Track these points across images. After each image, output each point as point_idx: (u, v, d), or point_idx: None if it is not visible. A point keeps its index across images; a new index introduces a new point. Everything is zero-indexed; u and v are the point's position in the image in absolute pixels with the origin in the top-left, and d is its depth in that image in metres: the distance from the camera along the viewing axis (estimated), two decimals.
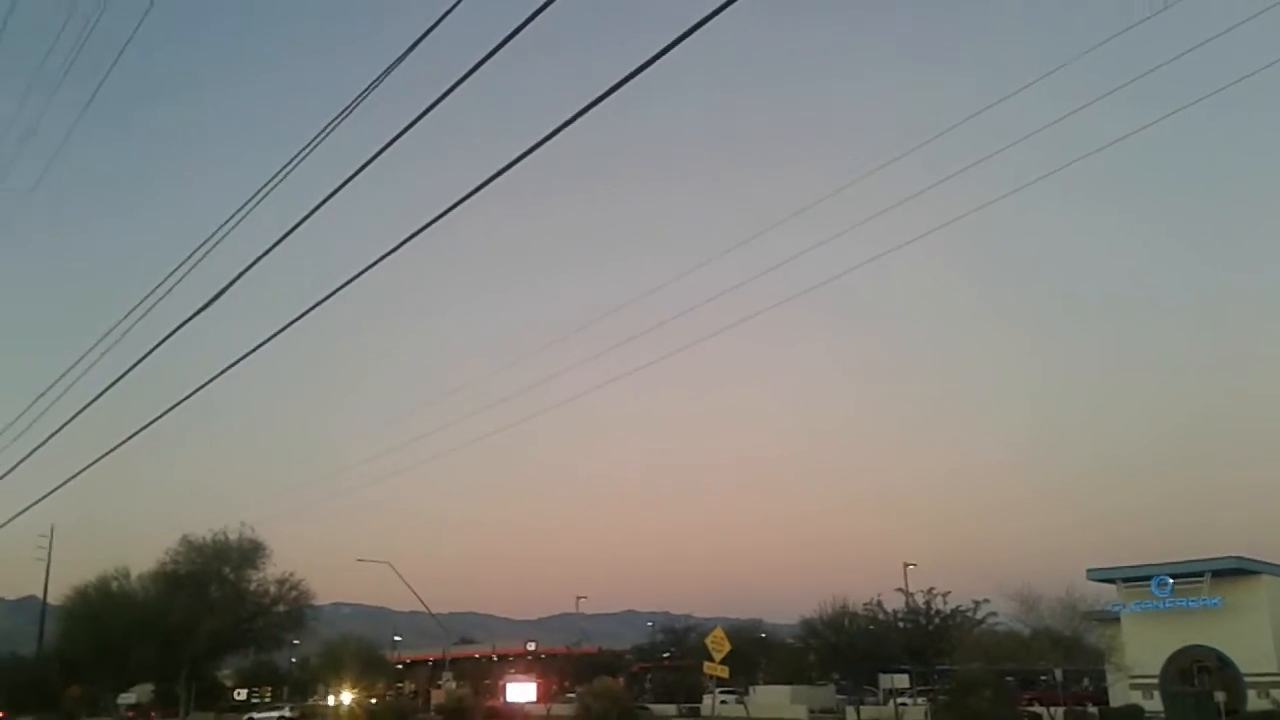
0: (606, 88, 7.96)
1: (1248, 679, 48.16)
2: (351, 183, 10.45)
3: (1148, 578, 51.46)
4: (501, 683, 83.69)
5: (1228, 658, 49.05)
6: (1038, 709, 50.41)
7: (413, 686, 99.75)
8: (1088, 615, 50.05)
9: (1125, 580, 53.05)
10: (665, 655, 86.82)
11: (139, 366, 16.08)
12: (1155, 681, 50.34)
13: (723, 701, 64.34)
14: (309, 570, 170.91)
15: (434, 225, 10.04)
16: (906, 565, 64.92)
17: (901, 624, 60.36)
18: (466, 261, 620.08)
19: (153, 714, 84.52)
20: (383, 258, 10.92)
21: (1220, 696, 45.55)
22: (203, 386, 15.47)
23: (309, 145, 11.12)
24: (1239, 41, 17.26)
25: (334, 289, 11.97)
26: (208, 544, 73.23)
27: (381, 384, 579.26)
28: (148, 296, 15.30)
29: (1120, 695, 52.33)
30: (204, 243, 13.59)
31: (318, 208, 11.06)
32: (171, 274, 14.54)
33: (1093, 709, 51.73)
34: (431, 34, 8.96)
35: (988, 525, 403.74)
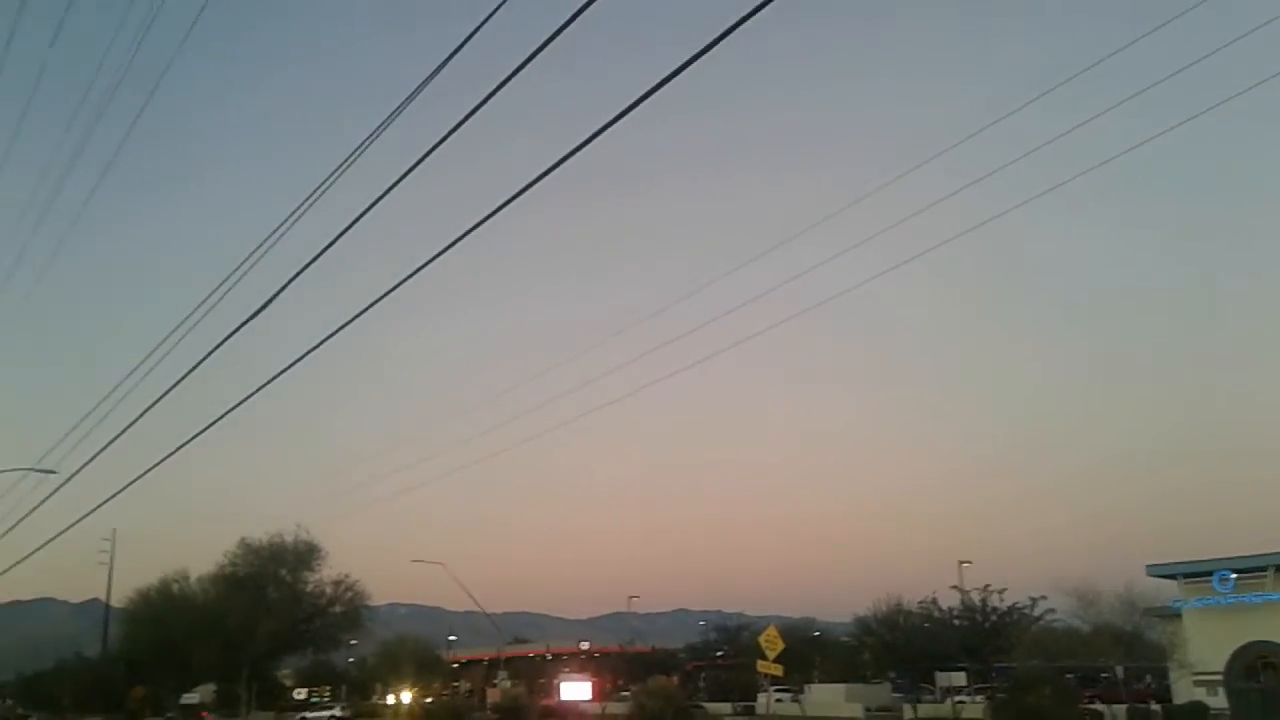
0: (650, 85, 7.96)
1: None
2: (396, 187, 10.54)
3: (1209, 573, 50.44)
4: (556, 681, 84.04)
5: None
6: (1099, 707, 49.62)
7: (468, 685, 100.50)
8: (1148, 611, 49.17)
9: (1186, 576, 52.04)
10: (718, 654, 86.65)
11: (195, 372, 16.35)
12: (1220, 678, 49.33)
13: (778, 700, 64.05)
14: (365, 571, 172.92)
15: (484, 223, 10.09)
16: (961, 563, 64.26)
17: (957, 621, 59.68)
18: (512, 260, 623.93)
19: (204, 714, 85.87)
20: (433, 259, 10.98)
21: None
22: (258, 390, 15.70)
23: (364, 142, 11.23)
24: (1238, 51, 17.08)
25: (384, 292, 12.06)
26: (264, 546, 74.19)
27: (434, 385, 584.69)
28: (204, 301, 15.56)
29: (1184, 692, 51.34)
30: (257, 247, 13.77)
31: (360, 217, 11.16)
32: (227, 278, 14.76)
33: (1156, 706, 50.83)
34: (478, 34, 9.01)
35: (1044, 521, 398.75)
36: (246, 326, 14.00)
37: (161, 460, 19.76)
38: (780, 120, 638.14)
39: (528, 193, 9.39)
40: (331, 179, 11.94)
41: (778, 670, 52.14)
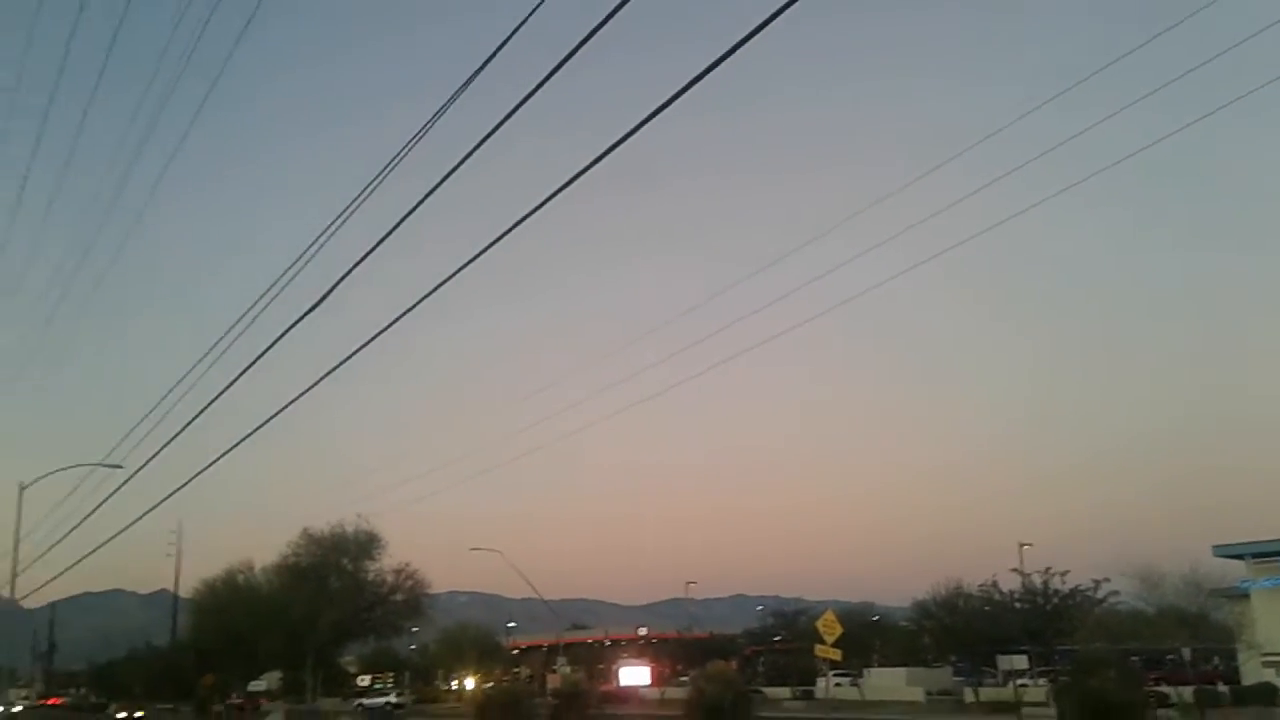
0: (694, 74, 7.99)
1: None
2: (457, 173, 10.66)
3: (1278, 553, 49.44)
4: (615, 667, 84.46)
5: None
6: (1165, 689, 48.88)
7: (528, 671, 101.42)
8: (1214, 592, 48.30)
9: (1255, 556, 51.04)
10: (776, 639, 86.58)
11: (255, 366, 16.67)
12: None
13: (837, 684, 63.82)
14: (424, 560, 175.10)
15: (544, 206, 10.18)
16: (1021, 545, 63.49)
17: (1018, 604, 59.06)
18: (559, 249, 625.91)
19: (261, 699, 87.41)
20: (488, 247, 11.10)
21: None
22: (318, 382, 15.96)
23: (410, 141, 11.37)
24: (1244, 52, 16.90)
25: (439, 283, 12.20)
26: (326, 537, 75.37)
27: (491, 374, 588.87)
28: (262, 296, 15.84)
29: (1253, 673, 50.38)
30: (312, 243, 13.99)
31: (410, 212, 11.31)
32: (285, 273, 15.02)
33: (1223, 688, 49.92)
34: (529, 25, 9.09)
35: (1106, 501, 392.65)
36: (304, 320, 14.24)
37: (225, 453, 20.22)
38: (813, 115, 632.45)
39: (577, 182, 9.47)
40: (380, 178, 12.11)
41: (836, 655, 51.85)
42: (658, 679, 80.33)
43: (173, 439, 22.01)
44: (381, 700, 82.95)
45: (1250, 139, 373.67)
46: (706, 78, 7.98)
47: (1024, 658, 60.51)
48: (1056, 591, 56.76)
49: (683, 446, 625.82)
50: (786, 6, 7.20)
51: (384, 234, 11.91)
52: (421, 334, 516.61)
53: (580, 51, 8.39)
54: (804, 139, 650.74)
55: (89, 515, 34.23)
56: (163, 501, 25.95)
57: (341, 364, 14.88)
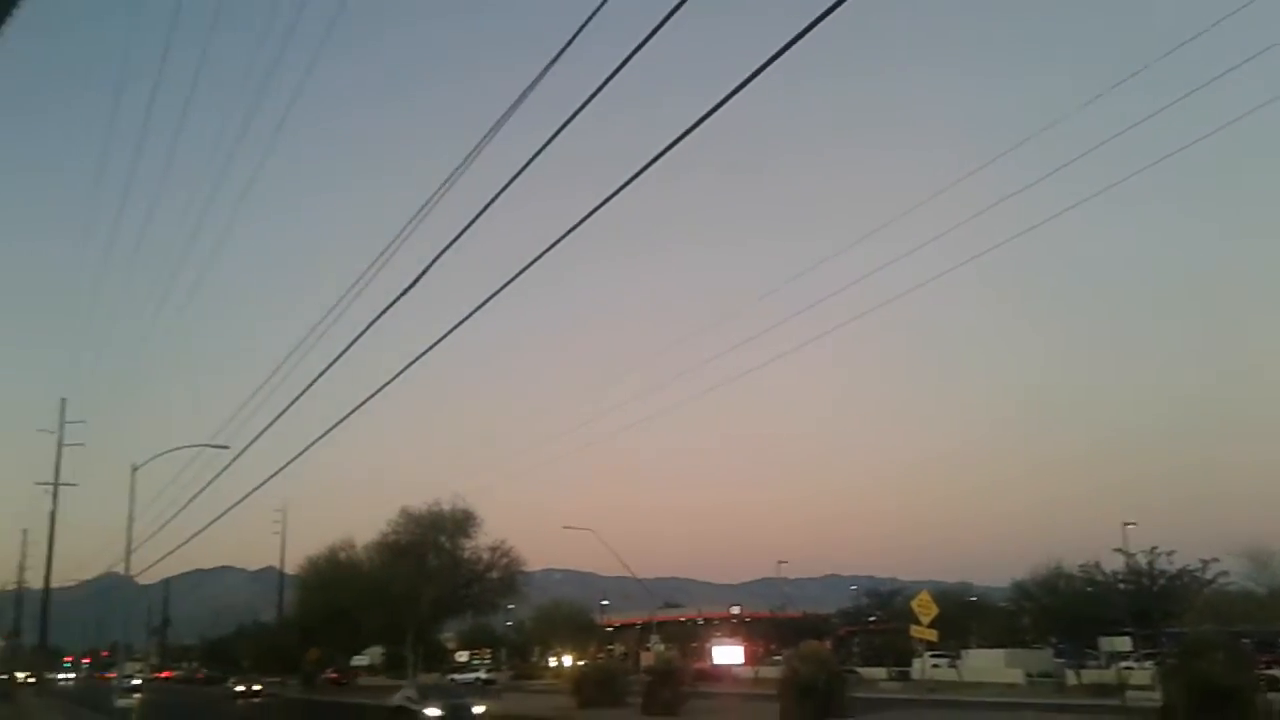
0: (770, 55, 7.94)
1: None
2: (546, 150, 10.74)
3: None
4: (708, 645, 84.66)
5: None
6: (1277, 672, 47.20)
7: (623, 649, 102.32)
8: None
9: None
10: (871, 619, 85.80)
11: (354, 346, 17.05)
12: None
13: (934, 665, 63.06)
14: (520, 538, 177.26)
15: (626, 187, 10.20)
16: (1125, 524, 61.87)
17: (1122, 585, 57.60)
18: (660, 227, 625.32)
19: (357, 673, 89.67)
20: (579, 223, 11.17)
21: None
22: (414, 361, 16.26)
23: (520, 96, 11.48)
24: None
25: (534, 258, 12.31)
26: (424, 515, 76.69)
27: (583, 352, 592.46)
28: (361, 276, 16.19)
29: None
30: (409, 221, 14.24)
31: (504, 188, 11.43)
32: (384, 252, 15.32)
33: None
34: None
35: (1209, 481, 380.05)
36: (402, 300, 14.49)
37: (326, 432, 20.75)
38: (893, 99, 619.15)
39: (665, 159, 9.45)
40: (471, 157, 12.26)
41: (932, 635, 51.30)
42: (751, 658, 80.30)
43: (275, 419, 22.67)
44: (471, 676, 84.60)
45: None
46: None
47: (1128, 640, 59.03)
48: (1163, 572, 55.22)
49: (774, 425, 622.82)
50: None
51: (477, 213, 12.05)
52: (515, 313, 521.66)
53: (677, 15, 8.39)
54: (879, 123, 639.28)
55: (198, 495, 35.49)
56: (268, 480, 26.78)
57: (436, 344, 15.15)
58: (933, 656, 63.26)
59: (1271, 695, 37.33)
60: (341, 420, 19.91)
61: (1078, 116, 23.19)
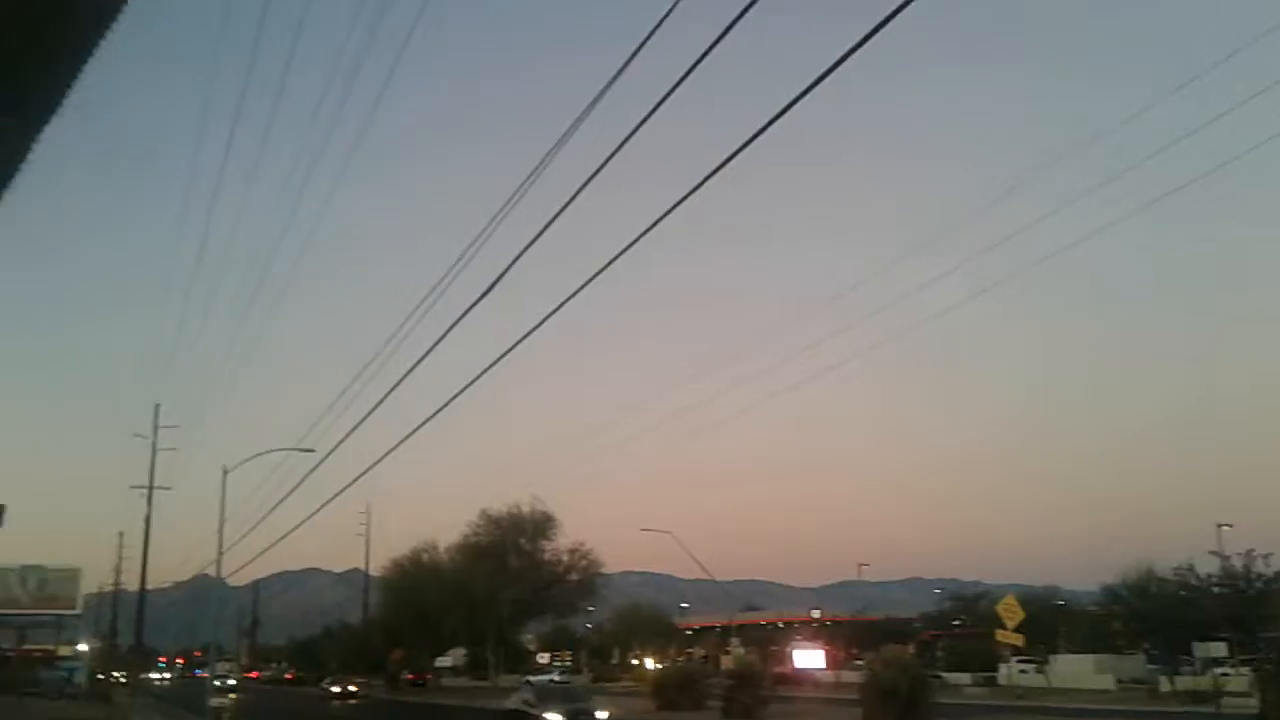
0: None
1: None
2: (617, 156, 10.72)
3: None
4: (789, 649, 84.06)
5: None
6: None
7: (702, 652, 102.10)
8: None
9: None
10: (955, 623, 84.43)
11: (434, 350, 17.24)
12: None
13: (1021, 671, 61.81)
14: (598, 540, 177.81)
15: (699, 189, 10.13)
16: (1220, 526, 59.99)
17: (1217, 589, 55.86)
18: (737, 227, 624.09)
19: (427, 675, 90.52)
20: (658, 221, 11.13)
21: None
22: (494, 364, 16.37)
23: (603, 89, 11.49)
24: None
25: (611, 259, 12.28)
26: (504, 517, 77.57)
27: (660, 354, 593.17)
28: (441, 280, 16.34)
29: None
30: (490, 222, 14.34)
31: (586, 183, 11.43)
32: (464, 254, 15.45)
33: None
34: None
35: None
36: (481, 303, 14.60)
37: (408, 436, 21.00)
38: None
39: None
40: (545, 161, 12.29)
41: (1018, 640, 50.30)
42: (832, 662, 79.54)
43: (359, 424, 23.07)
44: (545, 678, 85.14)
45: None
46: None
47: (1223, 645, 57.23)
48: (1260, 575, 53.44)
49: (855, 425, 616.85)
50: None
51: (554, 214, 12.08)
52: (592, 314, 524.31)
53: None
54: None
55: (286, 497, 36.23)
56: (353, 483, 27.21)
57: (515, 346, 15.21)
58: (1020, 661, 62.01)
59: None
60: (424, 423, 20.14)
61: (1122, 131, 22.68)
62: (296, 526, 37.58)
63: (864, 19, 8.00)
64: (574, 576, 79.30)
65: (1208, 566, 56.77)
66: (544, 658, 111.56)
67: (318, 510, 32.80)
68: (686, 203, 10.56)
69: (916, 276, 45.28)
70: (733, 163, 9.66)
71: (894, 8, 7.63)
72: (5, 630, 70.92)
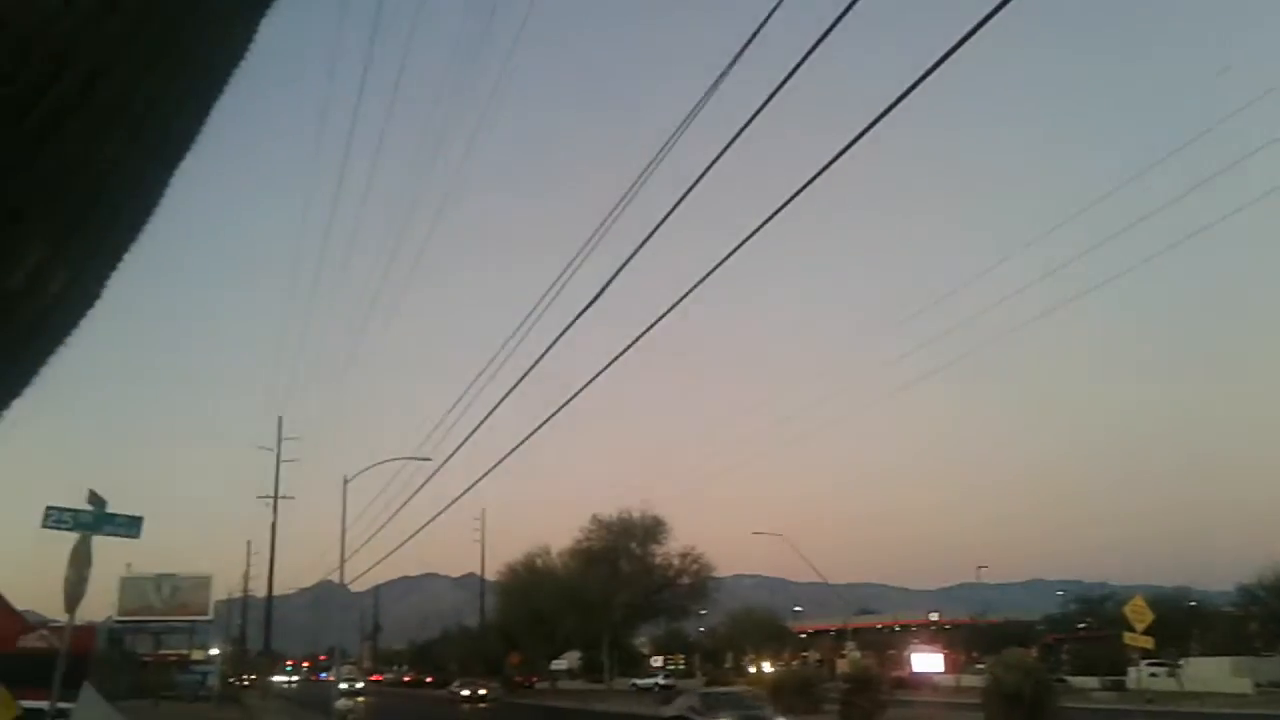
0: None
1: None
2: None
3: None
4: (906, 653, 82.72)
5: None
6: None
7: (817, 656, 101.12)
8: None
9: None
10: (1081, 625, 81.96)
11: (546, 357, 17.44)
12: None
13: (1151, 674, 59.64)
14: (709, 544, 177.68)
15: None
16: None
17: None
18: (847, 228, 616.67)
19: (534, 678, 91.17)
20: (776, 212, 11.08)
21: None
22: (601, 371, 16.48)
23: (714, 82, 11.50)
24: None
25: (721, 259, 12.26)
26: (615, 522, 78.16)
27: (769, 355, 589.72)
28: (551, 286, 16.51)
29: None
30: (600, 223, 14.45)
31: (698, 180, 11.43)
32: (573, 260, 15.60)
33: None
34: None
35: None
36: (592, 309, 14.70)
37: (522, 441, 21.28)
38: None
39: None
40: (652, 165, 12.34)
41: (1148, 642, 48.62)
42: (952, 666, 77.95)
43: (472, 433, 23.50)
44: (650, 681, 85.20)
45: None
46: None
47: None
48: None
49: (972, 426, 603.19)
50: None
51: (665, 214, 12.08)
52: (702, 318, 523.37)
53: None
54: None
55: (405, 504, 37.09)
56: (468, 490, 27.70)
57: (624, 351, 15.29)
58: (1149, 665, 59.87)
59: None
60: (536, 430, 20.40)
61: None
62: (415, 533, 38.45)
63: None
64: (685, 580, 79.40)
65: None
66: (657, 661, 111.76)
67: (435, 517, 33.50)
68: (795, 207, 10.45)
69: (1031, 271, 44.07)
70: (833, 166, 9.53)
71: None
72: (142, 636, 73.60)
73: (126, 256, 1.96)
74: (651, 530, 77.91)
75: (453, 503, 29.60)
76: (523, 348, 18.82)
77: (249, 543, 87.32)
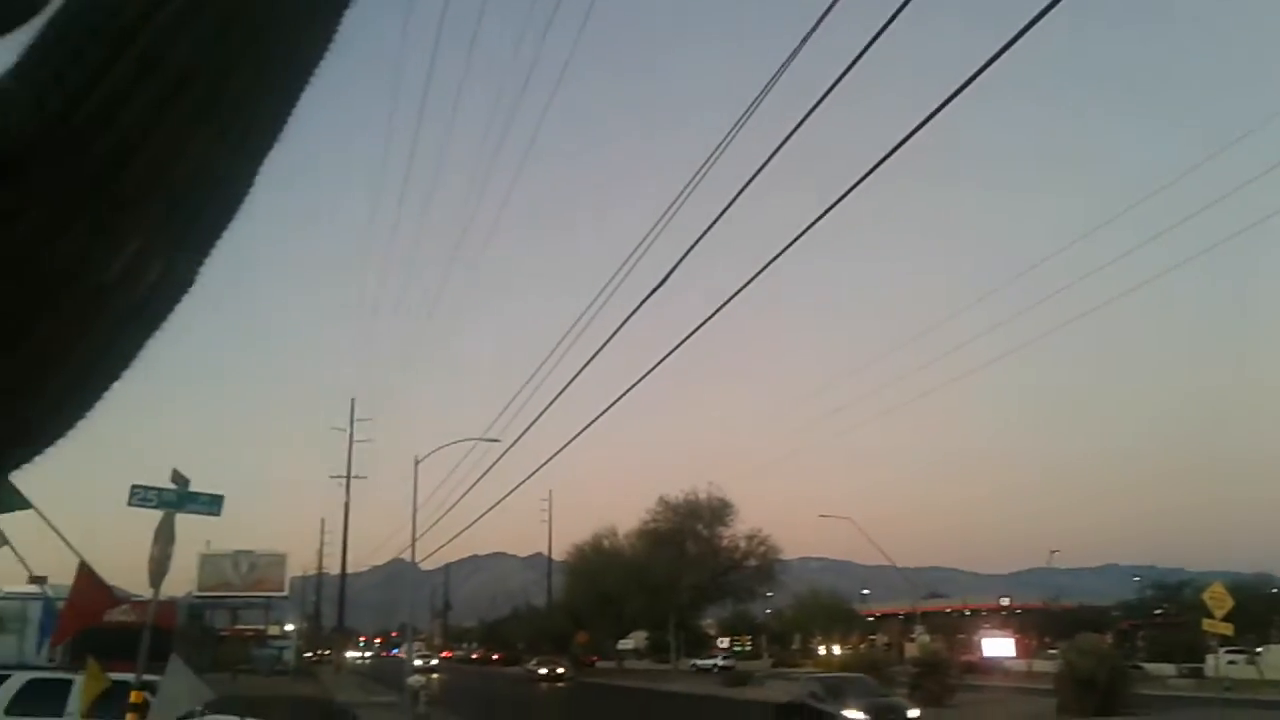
0: None
1: None
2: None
3: None
4: (976, 637, 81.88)
5: None
6: None
7: (885, 640, 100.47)
8: None
9: None
10: (1157, 611, 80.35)
11: (614, 339, 17.52)
12: None
13: (1230, 662, 58.31)
14: (776, 526, 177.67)
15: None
16: None
17: None
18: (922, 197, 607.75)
19: (595, 659, 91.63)
20: (848, 192, 11.03)
21: None
22: (670, 353, 16.51)
23: (771, 78, 11.48)
24: None
25: (790, 241, 12.20)
26: (681, 504, 78.31)
27: (840, 337, 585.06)
28: (621, 267, 16.58)
29: None
30: (670, 204, 14.49)
31: (764, 164, 11.42)
32: (643, 240, 15.65)
33: None
34: None
35: None
36: (660, 291, 14.73)
37: (589, 425, 21.39)
38: None
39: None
40: (723, 145, 12.33)
41: (1227, 629, 47.53)
42: (1024, 651, 76.96)
43: (541, 414, 23.67)
44: (709, 663, 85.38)
45: None
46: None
47: None
48: None
49: (1044, 409, 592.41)
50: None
51: (734, 195, 12.06)
52: (771, 300, 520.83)
53: None
54: None
55: (474, 485, 37.57)
56: (537, 470, 27.92)
57: (695, 332, 15.28)
58: (1228, 652, 58.58)
59: None
60: (605, 411, 20.44)
61: None
62: (485, 513, 38.88)
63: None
64: (752, 562, 79.35)
65: None
66: (723, 643, 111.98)
67: (505, 497, 33.85)
68: (880, 172, 10.34)
69: (1108, 251, 43.15)
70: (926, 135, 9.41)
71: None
72: (220, 612, 75.45)
73: (217, 246, 2.07)
74: (718, 512, 77.95)
75: (522, 483, 29.88)
76: (593, 328, 18.93)
77: (323, 521, 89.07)
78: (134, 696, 12.06)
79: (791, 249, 12.04)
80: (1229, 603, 47.20)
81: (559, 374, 21.51)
